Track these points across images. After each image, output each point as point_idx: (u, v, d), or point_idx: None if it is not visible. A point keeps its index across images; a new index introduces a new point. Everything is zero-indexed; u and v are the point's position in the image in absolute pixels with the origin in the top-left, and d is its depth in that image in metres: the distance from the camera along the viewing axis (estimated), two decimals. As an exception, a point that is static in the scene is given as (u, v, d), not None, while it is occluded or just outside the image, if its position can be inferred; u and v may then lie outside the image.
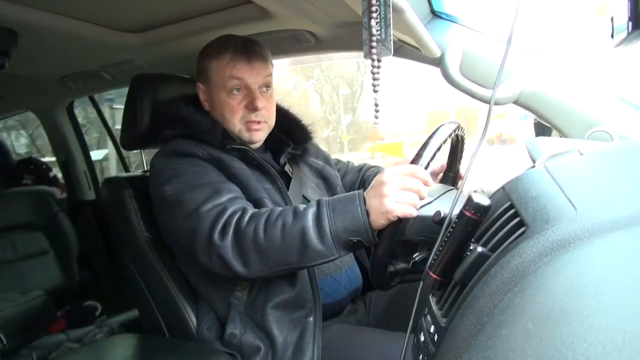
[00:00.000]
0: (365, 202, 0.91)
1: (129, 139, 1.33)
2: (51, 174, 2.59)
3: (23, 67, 1.50)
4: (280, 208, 0.98)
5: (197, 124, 1.15)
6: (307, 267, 1.01)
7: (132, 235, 1.26)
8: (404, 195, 0.88)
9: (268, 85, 1.18)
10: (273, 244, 0.93)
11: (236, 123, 1.15)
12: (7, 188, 2.31)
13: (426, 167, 0.91)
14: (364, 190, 0.94)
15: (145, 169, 1.55)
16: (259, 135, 1.18)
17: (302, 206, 0.97)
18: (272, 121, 1.21)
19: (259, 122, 1.16)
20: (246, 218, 0.97)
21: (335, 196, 0.97)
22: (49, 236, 2.26)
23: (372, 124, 0.67)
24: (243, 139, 1.17)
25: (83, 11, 1.18)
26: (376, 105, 0.69)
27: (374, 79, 0.65)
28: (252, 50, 1.15)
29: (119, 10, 1.20)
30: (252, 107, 1.14)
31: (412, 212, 0.88)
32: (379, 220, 0.89)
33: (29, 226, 2.22)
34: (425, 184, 0.90)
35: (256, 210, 1.00)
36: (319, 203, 0.95)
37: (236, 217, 0.98)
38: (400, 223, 0.90)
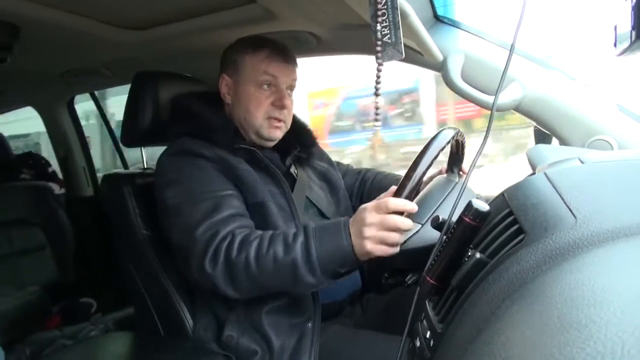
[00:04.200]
0: (350, 233, 0.92)
1: (130, 136, 1.33)
2: (50, 170, 2.58)
3: (24, 62, 1.49)
4: (270, 234, 0.99)
5: (208, 121, 1.15)
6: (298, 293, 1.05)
7: (130, 233, 1.26)
8: (384, 236, 0.88)
9: (292, 88, 1.21)
10: (265, 275, 0.97)
11: (259, 117, 1.17)
12: (6, 182, 2.30)
13: (413, 197, 0.88)
14: (361, 203, 0.95)
15: (145, 166, 1.55)
16: (277, 134, 1.20)
17: (291, 232, 0.97)
18: (289, 124, 1.23)
19: (280, 120, 1.18)
20: (235, 246, 0.98)
21: (321, 223, 0.99)
22: (46, 232, 2.25)
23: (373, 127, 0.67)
24: (262, 134, 1.18)
25: (86, 8, 1.18)
26: (376, 108, 0.69)
27: (377, 82, 0.65)
28: (288, 52, 1.19)
29: (121, 7, 1.19)
30: (279, 105, 1.16)
31: (392, 251, 0.89)
32: (361, 256, 0.92)
33: (26, 221, 2.21)
34: (410, 212, 0.88)
35: (246, 234, 1.00)
36: (306, 232, 0.96)
37: (225, 243, 0.99)
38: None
